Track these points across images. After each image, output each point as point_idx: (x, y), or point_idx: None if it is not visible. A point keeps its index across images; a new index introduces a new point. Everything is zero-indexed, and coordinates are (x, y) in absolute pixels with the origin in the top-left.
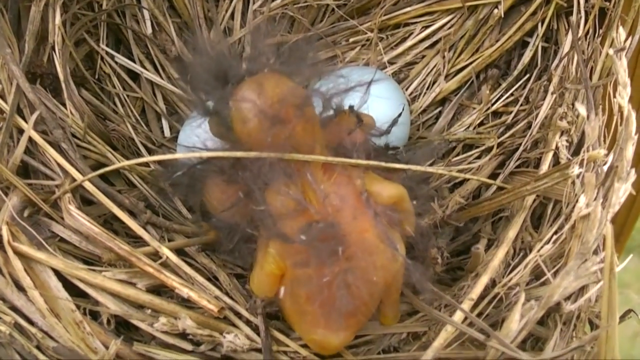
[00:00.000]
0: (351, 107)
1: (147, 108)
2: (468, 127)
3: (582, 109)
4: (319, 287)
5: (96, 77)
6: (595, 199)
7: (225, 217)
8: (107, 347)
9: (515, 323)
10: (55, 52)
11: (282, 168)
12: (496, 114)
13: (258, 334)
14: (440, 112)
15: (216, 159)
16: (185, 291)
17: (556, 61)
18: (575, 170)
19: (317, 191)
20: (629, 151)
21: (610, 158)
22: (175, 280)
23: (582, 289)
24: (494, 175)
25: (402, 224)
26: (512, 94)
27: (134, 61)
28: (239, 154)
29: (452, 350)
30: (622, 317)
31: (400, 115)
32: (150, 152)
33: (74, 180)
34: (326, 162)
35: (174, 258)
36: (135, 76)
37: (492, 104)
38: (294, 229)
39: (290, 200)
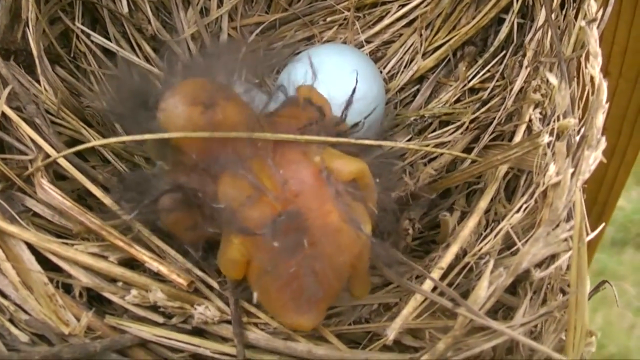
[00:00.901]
0: (306, 99)
1: None
2: (445, 104)
3: (552, 78)
4: (286, 280)
5: (72, 55)
6: (566, 167)
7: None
8: (78, 320)
9: (484, 290)
10: (28, 28)
11: (235, 152)
12: (473, 91)
13: (229, 306)
14: (417, 89)
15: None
16: (155, 265)
17: (530, 35)
18: (546, 138)
19: (276, 175)
20: (599, 119)
21: (583, 128)
22: (145, 254)
23: (553, 258)
24: (468, 150)
25: (365, 200)
26: (488, 70)
27: (110, 40)
28: (205, 133)
29: (422, 321)
30: (597, 288)
31: (352, 94)
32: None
33: (48, 155)
34: (276, 145)
35: (145, 231)
36: (111, 55)
37: (469, 81)
38: (255, 218)
39: (246, 186)
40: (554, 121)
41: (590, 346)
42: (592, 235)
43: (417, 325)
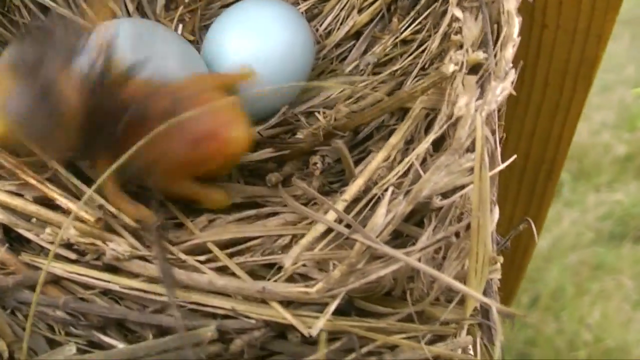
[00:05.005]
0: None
1: None
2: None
3: (457, 12)
4: None
5: (6, 8)
6: (474, 99)
7: None
8: None
9: (381, 217)
10: None
11: None
12: (406, 42)
13: (142, 243)
14: (354, 45)
15: None
16: (64, 202)
17: None
18: (451, 68)
19: None
20: (509, 51)
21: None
22: (56, 191)
23: (459, 189)
24: None
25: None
26: (419, 22)
27: None
28: None
29: (329, 251)
30: (518, 227)
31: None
32: None
33: None
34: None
35: (62, 170)
36: (46, 10)
37: (401, 33)
38: None
39: None
40: (463, 54)
41: (495, 273)
42: (503, 165)
43: (322, 256)
